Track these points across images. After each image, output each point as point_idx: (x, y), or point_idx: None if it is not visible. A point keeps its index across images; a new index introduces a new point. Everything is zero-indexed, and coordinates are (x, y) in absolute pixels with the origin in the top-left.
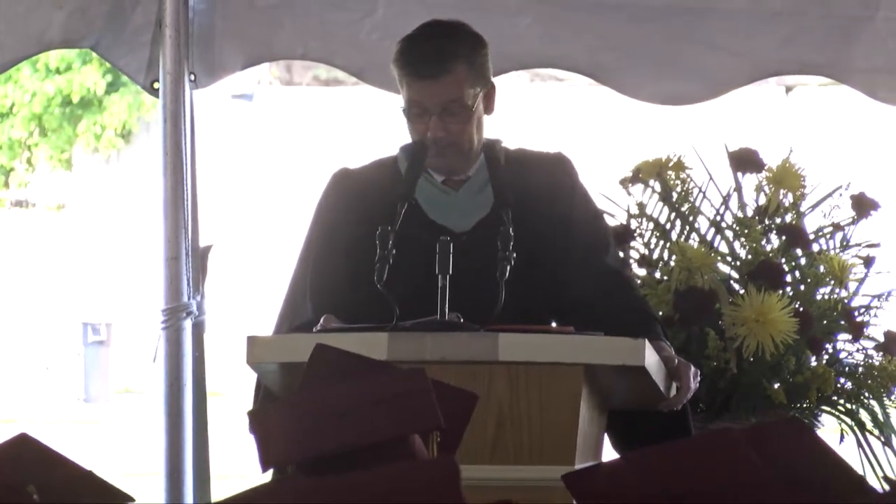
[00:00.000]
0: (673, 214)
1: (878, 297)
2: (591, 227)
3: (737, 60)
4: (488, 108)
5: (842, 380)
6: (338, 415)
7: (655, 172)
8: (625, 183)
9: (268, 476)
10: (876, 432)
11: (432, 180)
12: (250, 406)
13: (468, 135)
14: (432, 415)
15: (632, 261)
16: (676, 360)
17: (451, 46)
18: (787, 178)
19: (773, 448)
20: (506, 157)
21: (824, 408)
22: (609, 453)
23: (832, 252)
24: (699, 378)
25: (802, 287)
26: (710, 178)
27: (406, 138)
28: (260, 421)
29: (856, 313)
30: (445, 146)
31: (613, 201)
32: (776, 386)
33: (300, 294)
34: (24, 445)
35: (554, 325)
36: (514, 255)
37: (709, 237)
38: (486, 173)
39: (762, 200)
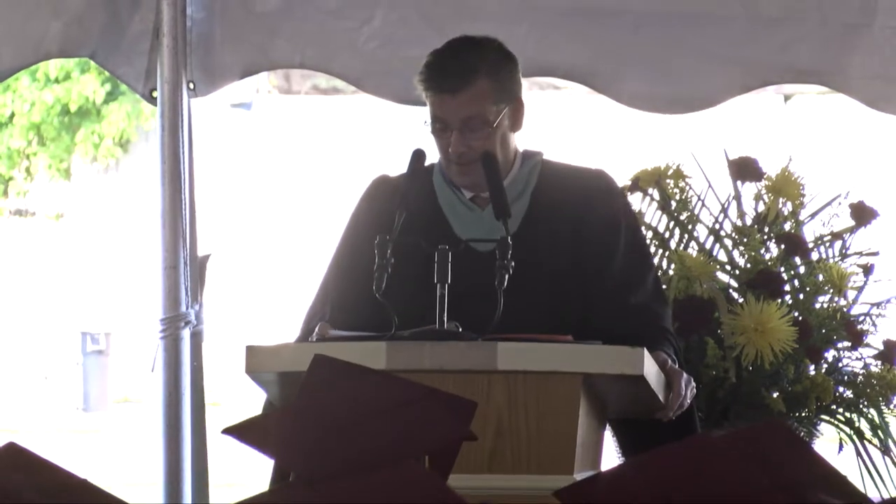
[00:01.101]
0: (672, 223)
1: (878, 304)
2: (633, 255)
3: (734, 69)
4: (515, 126)
5: (841, 389)
6: (340, 427)
7: (654, 181)
8: (623, 191)
9: (266, 484)
10: (875, 441)
11: (461, 196)
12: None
13: (496, 146)
14: (458, 426)
15: None
16: (668, 366)
17: (474, 62)
18: (786, 186)
19: (762, 452)
20: (543, 168)
21: (823, 417)
22: (608, 462)
23: (831, 261)
24: (693, 385)
25: (801, 296)
26: (710, 186)
27: (408, 144)
28: (248, 432)
29: (855, 321)
30: (468, 163)
31: None
32: (775, 395)
33: (324, 297)
34: (15, 454)
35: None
36: (513, 263)
37: (707, 245)
38: (515, 190)
39: (761, 209)
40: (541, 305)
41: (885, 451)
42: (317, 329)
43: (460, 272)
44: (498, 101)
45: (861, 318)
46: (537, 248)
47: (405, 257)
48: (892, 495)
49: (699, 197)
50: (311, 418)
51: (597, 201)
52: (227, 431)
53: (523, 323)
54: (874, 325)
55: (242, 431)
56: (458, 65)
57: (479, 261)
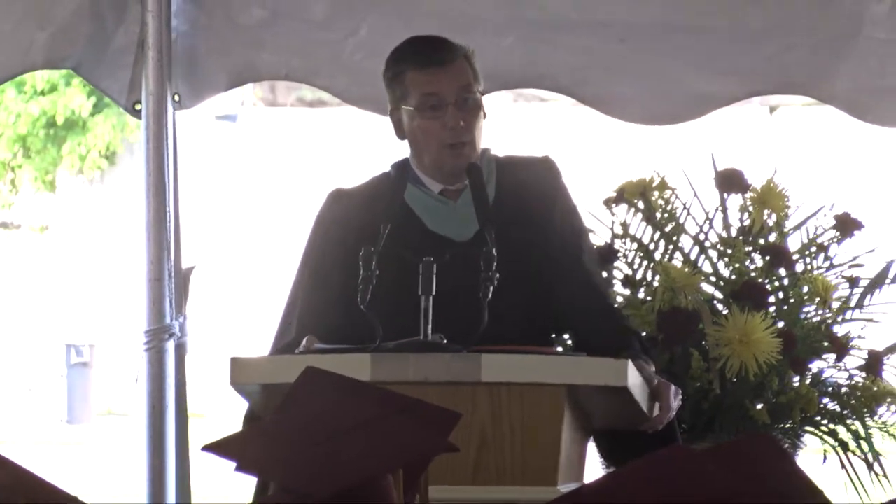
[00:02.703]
0: (657, 234)
1: (859, 307)
2: (571, 233)
3: (720, 80)
4: (485, 114)
5: (825, 400)
6: (321, 440)
7: (639, 192)
8: (608, 203)
9: (249, 496)
10: (859, 453)
11: (429, 191)
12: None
13: (479, 132)
14: (434, 440)
15: (616, 281)
16: (656, 381)
17: (452, 45)
18: (771, 198)
19: (746, 464)
20: (496, 164)
21: (808, 428)
22: (592, 474)
23: (816, 272)
24: (680, 397)
25: (786, 307)
26: (695, 195)
27: (394, 156)
28: (228, 448)
29: (837, 328)
30: (464, 144)
31: (599, 220)
32: (759, 406)
33: (291, 315)
34: (5, 471)
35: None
36: (498, 275)
37: (693, 256)
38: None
39: (746, 220)
40: (513, 303)
41: (870, 465)
42: (304, 342)
43: (438, 274)
44: (476, 83)
45: (846, 329)
46: (507, 246)
47: (384, 268)
48: None
49: (685, 206)
50: (292, 431)
51: (544, 187)
52: (208, 448)
53: (498, 324)
54: (859, 337)
55: (223, 448)
56: (438, 44)
57: (457, 262)
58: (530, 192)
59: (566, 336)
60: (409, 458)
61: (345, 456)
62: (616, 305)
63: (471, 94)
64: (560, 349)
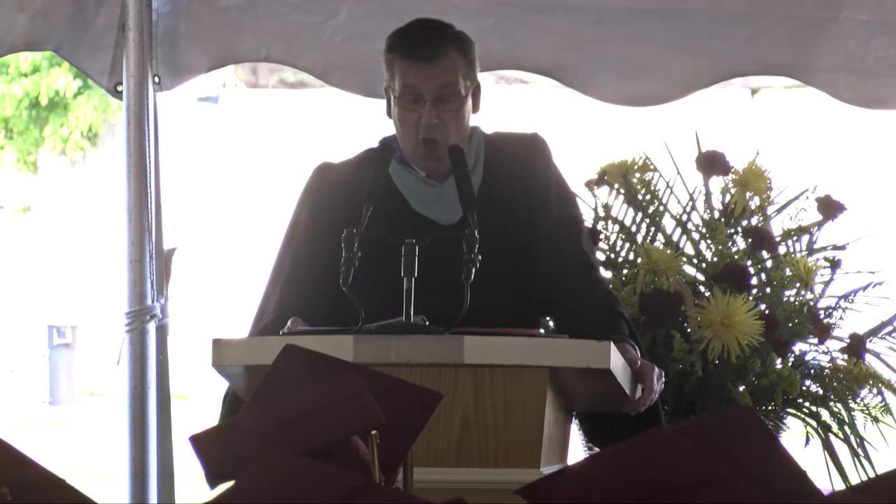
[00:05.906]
0: (639, 216)
1: (844, 297)
2: (564, 212)
3: (700, 61)
4: (475, 107)
5: (807, 382)
6: (278, 428)
7: (621, 174)
8: (590, 185)
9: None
10: (841, 435)
11: (415, 173)
12: (217, 412)
13: (457, 127)
14: (369, 415)
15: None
16: (640, 362)
17: (445, 36)
18: (752, 180)
19: (726, 442)
20: (485, 141)
21: (790, 410)
22: (574, 455)
23: (798, 255)
24: (664, 379)
25: (768, 289)
26: (678, 174)
27: (376, 137)
28: (203, 442)
29: (821, 313)
30: (437, 141)
31: (583, 201)
32: (741, 388)
33: (274, 290)
34: None
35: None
36: (481, 257)
37: (675, 238)
38: (468, 166)
39: (728, 202)
40: (503, 283)
41: (852, 448)
42: (288, 323)
43: (422, 256)
44: (465, 76)
45: (829, 311)
46: (496, 223)
47: (367, 249)
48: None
49: (668, 184)
50: (266, 430)
51: (534, 165)
52: (193, 441)
53: (487, 303)
54: (841, 318)
55: (200, 445)
56: (432, 36)
57: (441, 244)
58: (520, 169)
59: (550, 319)
60: (369, 424)
61: (305, 432)
62: (610, 291)
63: (453, 91)
64: (542, 331)
